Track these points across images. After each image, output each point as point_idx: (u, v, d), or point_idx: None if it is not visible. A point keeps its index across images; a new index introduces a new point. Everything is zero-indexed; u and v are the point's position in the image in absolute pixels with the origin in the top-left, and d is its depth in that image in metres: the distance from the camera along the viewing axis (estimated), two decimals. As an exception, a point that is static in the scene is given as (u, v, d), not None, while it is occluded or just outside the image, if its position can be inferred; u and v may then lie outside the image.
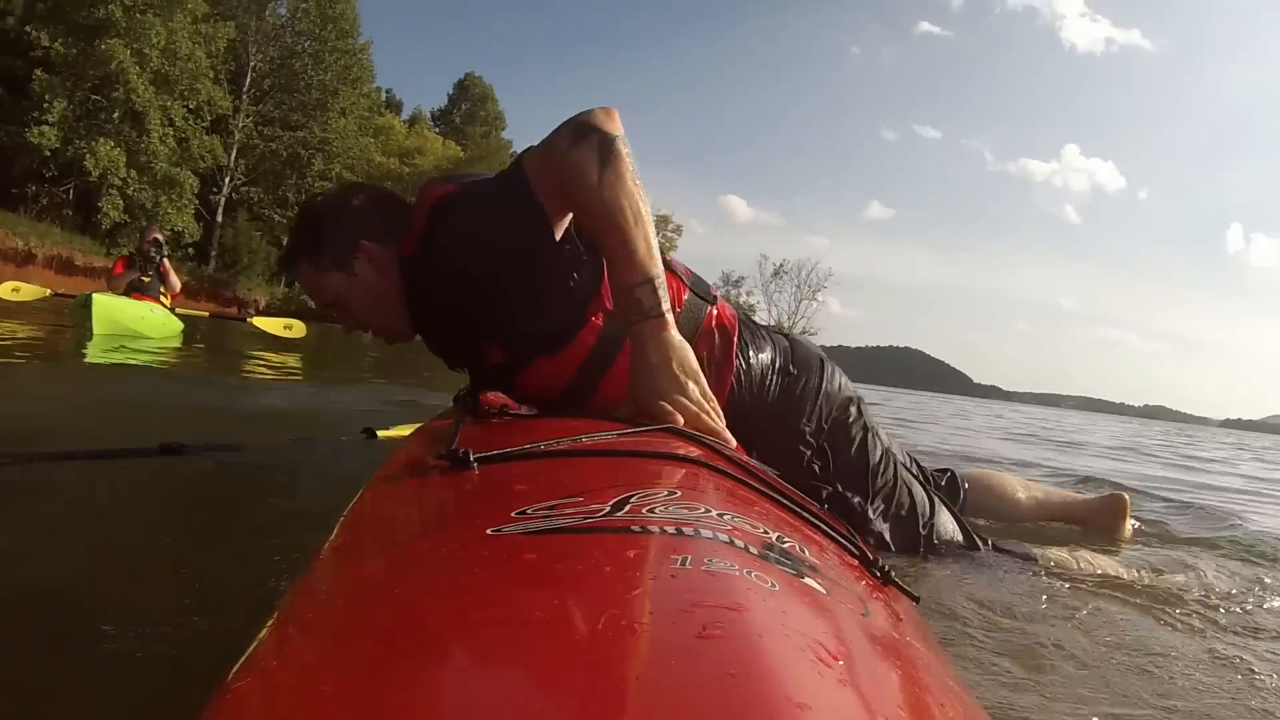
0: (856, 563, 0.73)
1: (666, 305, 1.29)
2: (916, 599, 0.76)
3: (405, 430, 3.19)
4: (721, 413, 1.31)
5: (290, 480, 2.47)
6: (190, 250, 36.21)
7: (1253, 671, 1.49)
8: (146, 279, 8.94)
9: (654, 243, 1.32)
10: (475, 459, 0.79)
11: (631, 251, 1.29)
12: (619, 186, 1.29)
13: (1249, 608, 1.93)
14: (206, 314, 12.63)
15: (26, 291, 9.86)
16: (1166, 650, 1.53)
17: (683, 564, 0.53)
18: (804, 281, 58.62)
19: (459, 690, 0.41)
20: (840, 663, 0.44)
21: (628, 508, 0.63)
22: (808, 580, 0.56)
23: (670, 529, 0.59)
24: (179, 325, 9.10)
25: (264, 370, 7.21)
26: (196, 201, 35.15)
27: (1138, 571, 2.05)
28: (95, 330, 7.25)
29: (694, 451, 0.92)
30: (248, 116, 39.41)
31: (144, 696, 1.11)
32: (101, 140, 30.96)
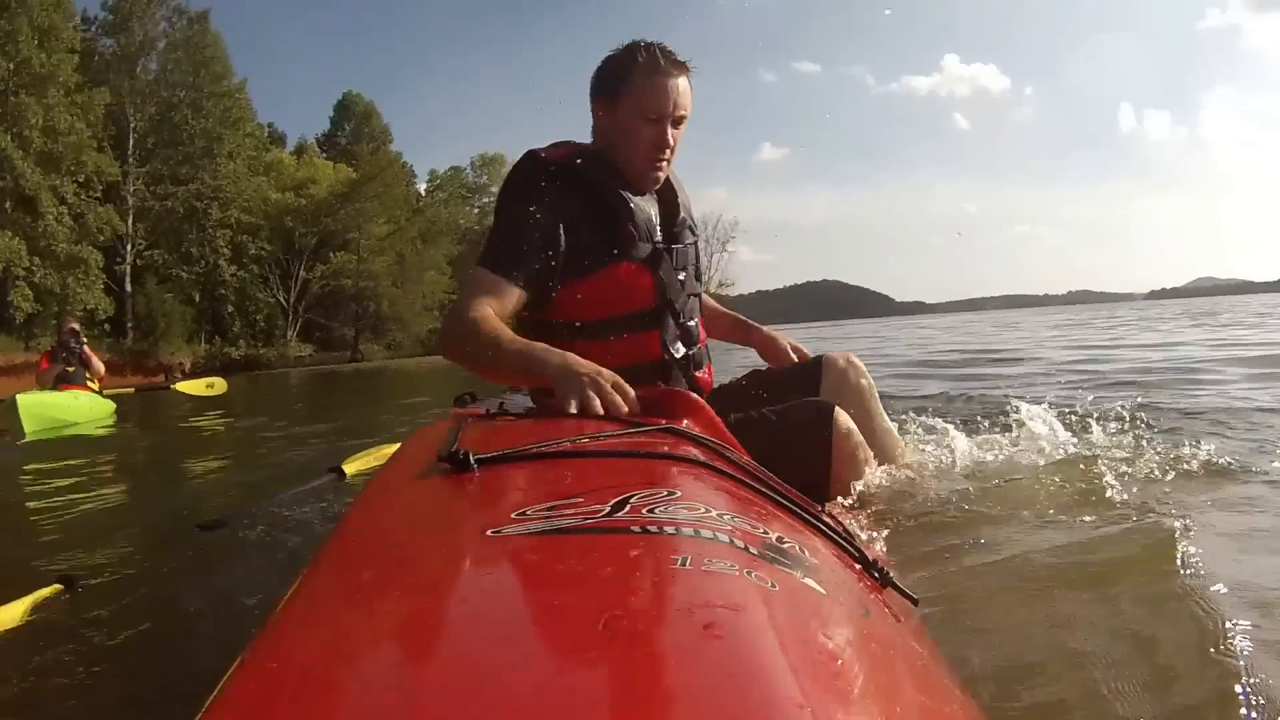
0: (856, 564, 0.73)
1: None
2: (915, 600, 0.77)
3: (370, 458, 3.16)
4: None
5: (279, 536, 2.44)
6: (106, 326, 34.84)
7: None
8: (71, 369, 8.98)
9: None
10: (475, 460, 0.79)
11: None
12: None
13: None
14: (132, 389, 12.34)
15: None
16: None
17: (683, 564, 0.53)
18: (711, 236, 57.97)
19: (460, 690, 0.41)
20: (839, 663, 0.45)
21: (628, 508, 0.63)
22: (808, 581, 0.56)
23: (670, 529, 0.59)
24: (110, 406, 9.00)
25: (199, 433, 7.26)
26: (103, 275, 33.89)
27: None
28: (26, 429, 7.06)
29: (694, 452, 0.91)
30: (137, 179, 37.84)
31: (144, 697, 1.11)
32: (-1, 232, 29.78)
